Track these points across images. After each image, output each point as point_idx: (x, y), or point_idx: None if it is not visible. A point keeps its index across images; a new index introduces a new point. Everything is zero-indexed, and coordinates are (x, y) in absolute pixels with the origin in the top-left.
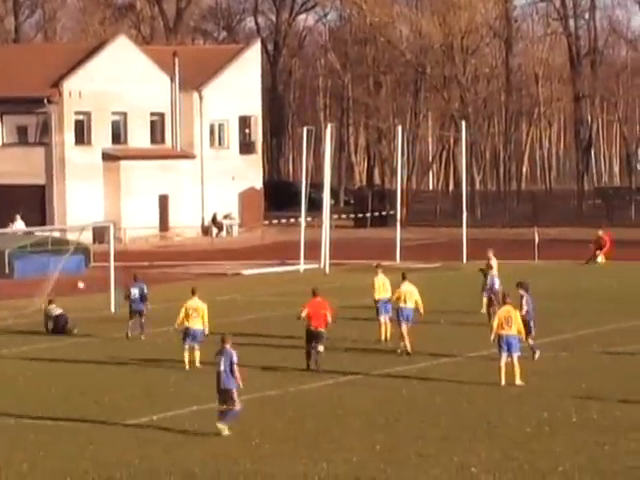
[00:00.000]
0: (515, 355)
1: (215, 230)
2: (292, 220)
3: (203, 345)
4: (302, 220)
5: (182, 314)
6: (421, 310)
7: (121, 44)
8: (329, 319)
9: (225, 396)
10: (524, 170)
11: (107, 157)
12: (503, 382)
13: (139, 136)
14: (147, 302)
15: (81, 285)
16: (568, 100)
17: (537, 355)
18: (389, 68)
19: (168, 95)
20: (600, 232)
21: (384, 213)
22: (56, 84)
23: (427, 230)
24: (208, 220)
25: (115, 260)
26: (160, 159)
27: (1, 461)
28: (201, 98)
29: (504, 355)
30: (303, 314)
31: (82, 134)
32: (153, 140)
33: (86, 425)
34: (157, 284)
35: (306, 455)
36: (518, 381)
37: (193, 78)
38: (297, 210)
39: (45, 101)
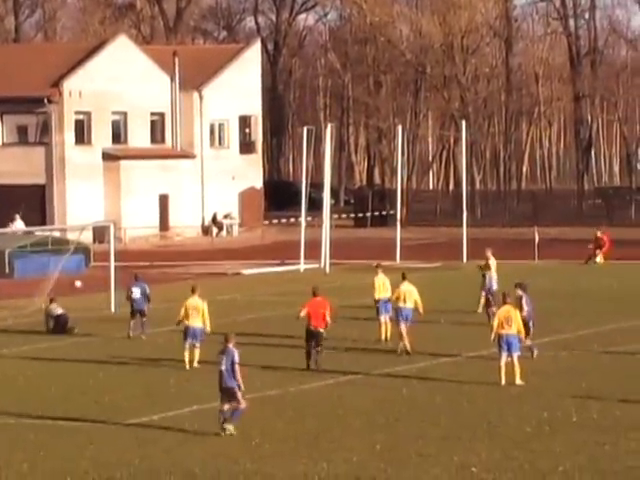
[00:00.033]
0: (515, 355)
1: (215, 230)
2: (292, 220)
3: (206, 344)
4: (302, 220)
5: (182, 312)
6: (420, 310)
7: (121, 44)
8: (328, 319)
9: (227, 395)
10: (524, 170)
11: (107, 157)
12: (503, 382)
13: (139, 136)
14: (149, 302)
15: (78, 284)
16: (568, 100)
17: (535, 353)
18: (389, 68)
19: (168, 95)
20: (599, 233)
21: (384, 213)
22: (56, 84)
23: (427, 230)
24: (208, 220)
25: (115, 260)
26: (160, 159)
27: (1, 461)
28: (201, 98)
29: (504, 355)
30: (302, 313)
31: (82, 134)
32: (153, 140)
33: (86, 425)
34: (157, 284)
35: (306, 455)
36: (518, 381)
37: (193, 78)
38: (297, 210)
39: (45, 101)
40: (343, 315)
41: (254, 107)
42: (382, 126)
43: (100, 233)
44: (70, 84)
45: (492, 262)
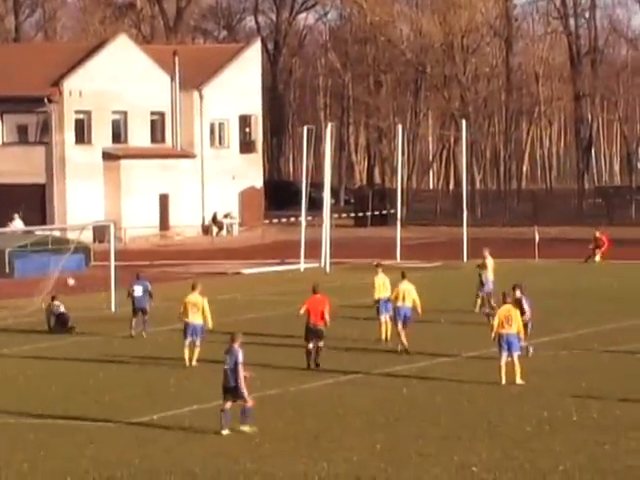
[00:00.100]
0: (515, 354)
1: (215, 229)
2: (292, 219)
3: (206, 343)
4: (302, 219)
5: (182, 308)
6: (419, 309)
7: (121, 43)
8: (327, 317)
9: (232, 394)
10: (524, 169)
11: (107, 156)
12: (503, 381)
13: (139, 135)
14: (152, 300)
15: (71, 282)
16: (568, 99)
17: (531, 352)
18: (389, 67)
19: (168, 94)
20: (597, 233)
21: (384, 212)
22: (56, 83)
23: (427, 229)
24: (208, 219)
25: (115, 259)
26: (160, 158)
27: (1, 461)
28: (201, 97)
29: (504, 354)
30: (302, 311)
31: (82, 133)
32: (153, 139)
33: (87, 424)
34: (157, 283)
35: (306, 454)
36: (518, 380)
37: (193, 77)
38: (297, 209)
39: (45, 100)
40: (343, 315)
41: (254, 107)
42: (382, 126)
43: (100, 233)
44: (70, 83)
45: (489, 262)
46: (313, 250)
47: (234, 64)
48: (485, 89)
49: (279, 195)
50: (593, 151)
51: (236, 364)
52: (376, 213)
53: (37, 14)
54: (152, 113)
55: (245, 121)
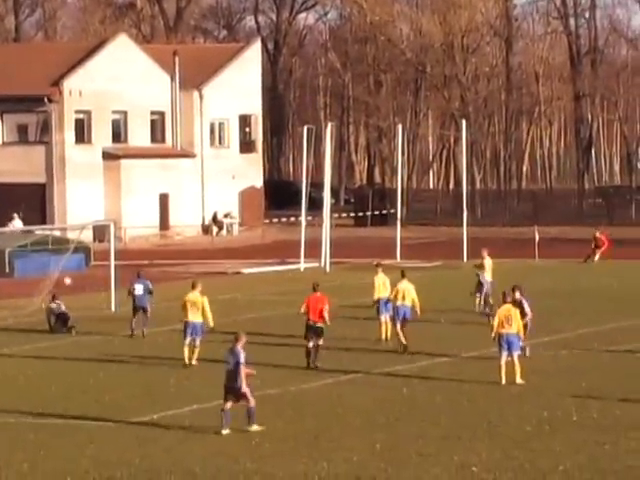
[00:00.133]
0: (515, 354)
1: (215, 229)
2: (292, 219)
3: (209, 343)
4: (302, 219)
5: (181, 307)
6: (417, 309)
7: (121, 43)
8: (325, 315)
9: (233, 395)
10: (524, 169)
11: (107, 156)
12: (503, 381)
13: (139, 135)
14: (152, 299)
15: (68, 281)
16: (568, 99)
17: (528, 352)
18: (389, 67)
19: (168, 94)
20: (597, 233)
21: (384, 212)
22: (56, 83)
23: (427, 229)
24: (208, 219)
25: (115, 259)
26: (160, 158)
27: (1, 461)
28: (201, 97)
29: (504, 354)
30: (302, 309)
31: (82, 133)
32: (153, 139)
33: (87, 424)
34: (157, 283)
35: (306, 454)
36: (518, 380)
37: (193, 77)
38: (297, 209)
39: (45, 100)
40: (343, 314)
41: (254, 106)
42: (382, 125)
43: (100, 232)
44: (70, 83)
45: (487, 262)
46: (313, 250)
47: (234, 64)
48: (485, 89)
49: (279, 195)
50: (593, 151)
51: (237, 364)
52: (376, 213)
53: (37, 14)
54: (152, 113)
55: (245, 121)
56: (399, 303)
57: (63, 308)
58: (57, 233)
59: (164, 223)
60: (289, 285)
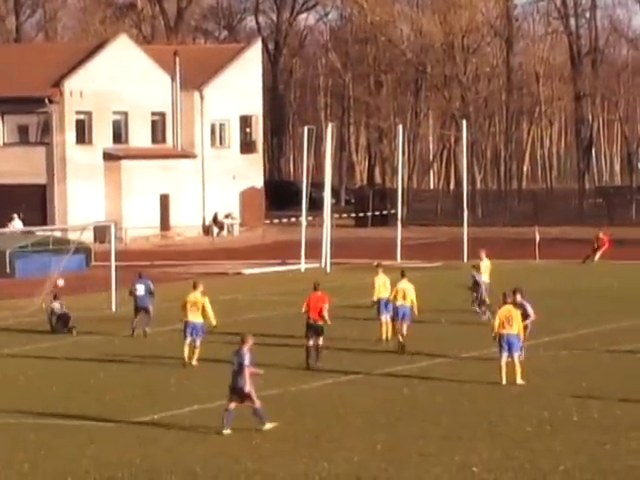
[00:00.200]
0: (516, 354)
1: (216, 229)
2: (293, 219)
3: (209, 343)
4: (303, 219)
5: (181, 307)
6: (415, 310)
7: (122, 43)
8: (325, 314)
9: (237, 395)
10: (525, 169)
11: (108, 157)
12: (504, 381)
13: (140, 136)
14: (154, 299)
15: (60, 282)
16: (569, 99)
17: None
18: (390, 67)
19: (169, 94)
20: (601, 234)
21: (385, 212)
22: (57, 84)
23: (428, 229)
24: (209, 219)
25: (116, 260)
26: (161, 158)
27: (2, 461)
28: (202, 97)
29: (505, 354)
30: (304, 308)
31: (83, 134)
32: (154, 140)
33: (87, 424)
34: (158, 283)
35: (307, 454)
36: (519, 380)
37: (194, 77)
38: (298, 209)
39: (46, 101)
40: (343, 315)
41: (255, 107)
42: (383, 126)
43: (101, 233)
44: (71, 84)
45: (484, 263)
46: (314, 250)
47: (235, 64)
48: (486, 89)
49: (280, 195)
50: (594, 151)
51: (240, 366)
52: (377, 213)
53: (38, 14)
54: (153, 113)
55: (246, 121)
56: (399, 303)
57: (64, 309)
58: (58, 234)
59: (165, 224)
60: (290, 285)
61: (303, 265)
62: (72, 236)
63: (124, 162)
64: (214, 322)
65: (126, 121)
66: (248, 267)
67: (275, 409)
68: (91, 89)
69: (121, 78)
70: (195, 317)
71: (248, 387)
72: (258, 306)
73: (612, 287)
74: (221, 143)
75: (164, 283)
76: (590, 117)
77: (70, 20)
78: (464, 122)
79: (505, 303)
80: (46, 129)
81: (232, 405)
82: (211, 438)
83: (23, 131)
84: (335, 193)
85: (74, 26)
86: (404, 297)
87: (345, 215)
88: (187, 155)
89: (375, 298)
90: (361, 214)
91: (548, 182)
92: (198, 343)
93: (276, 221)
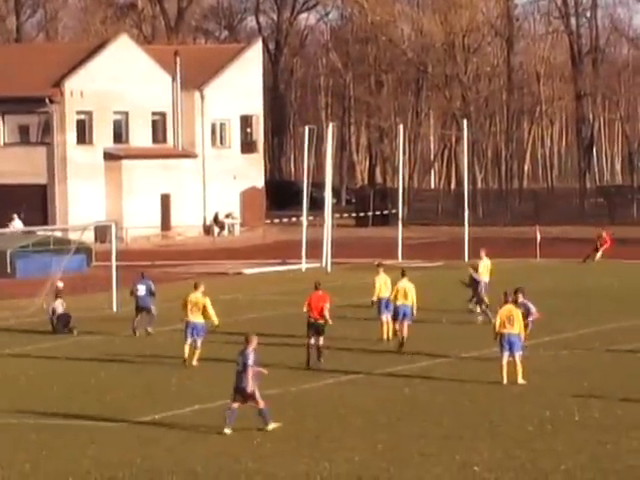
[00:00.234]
0: (517, 354)
1: (217, 229)
2: (294, 219)
3: (210, 343)
4: (304, 219)
5: (182, 306)
6: (414, 310)
7: (123, 43)
8: (326, 313)
9: (241, 395)
10: (526, 168)
11: (109, 156)
12: (505, 381)
13: (141, 135)
14: (154, 300)
15: (60, 285)
16: (570, 98)
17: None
18: (390, 67)
19: (170, 94)
20: (604, 233)
21: (386, 212)
22: (58, 84)
23: (429, 229)
24: (210, 219)
25: (117, 259)
26: (162, 158)
27: (4, 461)
28: (202, 97)
29: (506, 354)
30: (305, 308)
31: (84, 133)
32: (155, 139)
33: (88, 424)
34: (159, 283)
35: (308, 454)
36: (520, 380)
37: (194, 77)
38: (299, 209)
39: (47, 101)
40: (344, 315)
41: (255, 107)
42: (383, 125)
43: (102, 233)
44: (72, 84)
45: (484, 263)
46: (314, 250)
47: (235, 64)
48: (486, 89)
49: (280, 195)
50: (594, 150)
51: (245, 366)
52: (377, 213)
53: (38, 14)
54: (153, 113)
55: (246, 121)
56: (399, 302)
57: (64, 309)
58: (59, 234)
59: (165, 223)
60: (290, 285)
61: (304, 265)
62: (73, 236)
63: (125, 162)
64: (216, 322)
65: (127, 121)
66: (249, 267)
67: (276, 409)
68: (92, 89)
69: (122, 78)
70: (196, 317)
71: (251, 387)
72: (259, 306)
73: (613, 286)
74: (222, 143)
75: (165, 283)
76: (591, 116)
77: (71, 20)
78: (465, 122)
79: (506, 302)
80: (47, 129)
81: (235, 405)
82: (212, 438)
83: (24, 131)
84: (336, 193)
85: (75, 26)
86: (405, 296)
87: (346, 215)
88: (188, 155)
89: (375, 298)
90: (362, 214)
91: (549, 181)
92: (199, 343)
93: (277, 221)
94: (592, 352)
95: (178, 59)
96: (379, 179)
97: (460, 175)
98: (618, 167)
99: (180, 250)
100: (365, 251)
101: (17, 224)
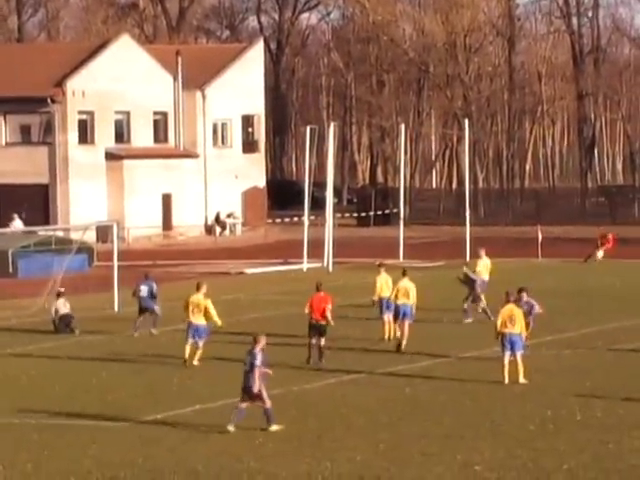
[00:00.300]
0: (518, 353)
1: (218, 229)
2: (295, 219)
3: (212, 343)
4: (305, 219)
5: (183, 307)
6: (413, 310)
7: (124, 43)
8: (328, 315)
9: (248, 395)
10: (527, 168)
11: (110, 156)
12: (506, 380)
13: (142, 135)
14: (156, 300)
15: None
16: (571, 98)
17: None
18: (392, 67)
19: (171, 94)
20: (609, 235)
21: (387, 211)
22: (59, 83)
23: (430, 228)
24: (211, 219)
25: (119, 259)
26: (163, 158)
27: (5, 461)
28: (204, 97)
29: (507, 353)
30: (307, 309)
31: (85, 133)
32: (156, 139)
33: (90, 424)
34: (160, 283)
35: (309, 454)
36: (522, 379)
37: (196, 77)
38: (300, 209)
39: (48, 100)
40: (346, 314)
41: (257, 106)
42: (385, 125)
43: (103, 233)
44: (73, 84)
45: (483, 262)
46: (316, 250)
47: (237, 64)
48: (488, 88)
49: (282, 195)
50: (596, 150)
51: (252, 366)
52: (379, 212)
53: (40, 14)
54: (155, 113)
55: (248, 121)
56: (399, 302)
57: (66, 309)
58: (60, 233)
59: (167, 223)
60: (292, 285)
61: (305, 265)
62: (74, 236)
63: (126, 162)
64: (219, 323)
65: (128, 121)
66: (250, 267)
67: (278, 409)
68: (93, 89)
69: (123, 78)
70: (198, 319)
71: (257, 388)
72: (260, 305)
73: (615, 286)
74: (223, 143)
75: (166, 283)
76: (592, 116)
77: (72, 20)
78: (466, 121)
79: (507, 302)
80: (48, 129)
81: (244, 405)
82: (214, 437)
83: (25, 131)
84: (337, 192)
85: (76, 26)
86: (405, 296)
87: (347, 214)
88: (189, 155)
89: (376, 297)
90: (363, 213)
91: (550, 181)
92: (201, 344)
93: (278, 221)
94: (594, 351)
95: (179, 59)
96: (380, 179)
97: (461, 175)
98: (619, 167)
99: (182, 250)
100: (366, 251)
101: (17, 224)
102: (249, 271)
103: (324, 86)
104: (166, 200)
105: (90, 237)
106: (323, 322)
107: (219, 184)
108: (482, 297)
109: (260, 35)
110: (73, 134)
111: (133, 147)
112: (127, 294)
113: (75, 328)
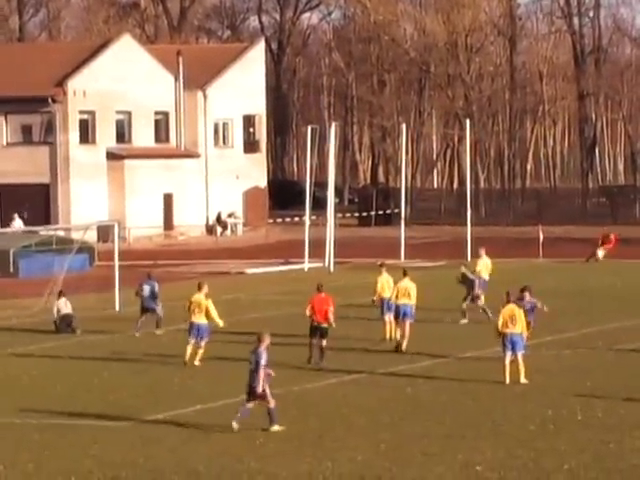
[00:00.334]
0: (519, 353)
1: (219, 229)
2: (296, 219)
3: (213, 343)
4: (306, 219)
5: (186, 307)
6: (413, 310)
7: (125, 43)
8: (330, 316)
9: (253, 394)
10: (528, 168)
11: (111, 156)
12: (507, 380)
13: (143, 135)
14: (158, 300)
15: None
16: (572, 98)
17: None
18: (393, 66)
19: (172, 94)
20: (612, 235)
21: (388, 211)
22: (60, 83)
23: (431, 228)
24: (212, 219)
25: (120, 259)
26: (164, 158)
27: (7, 461)
28: (205, 97)
29: (508, 353)
30: (308, 311)
31: (86, 133)
32: (157, 139)
33: (91, 424)
34: (161, 283)
35: (310, 454)
36: (523, 379)
37: (197, 77)
38: (301, 209)
39: (49, 100)
40: (347, 314)
41: (258, 106)
42: (386, 125)
43: (104, 232)
44: (74, 83)
45: (483, 261)
46: (317, 250)
47: (238, 64)
48: (489, 88)
49: (283, 195)
50: (597, 150)
51: (257, 365)
52: (380, 212)
53: (41, 14)
54: (156, 113)
55: (249, 121)
56: (400, 302)
57: (67, 309)
58: (61, 233)
59: (168, 223)
60: (293, 285)
61: (306, 264)
62: (75, 236)
63: (127, 162)
64: (221, 324)
65: (129, 121)
66: (251, 267)
67: (279, 408)
68: (94, 89)
69: (124, 78)
70: (199, 319)
71: (261, 387)
72: (261, 305)
73: (616, 286)
74: (224, 143)
75: (167, 282)
76: (594, 116)
77: (73, 19)
78: (467, 121)
79: (508, 302)
80: (49, 129)
81: (249, 405)
82: (215, 437)
83: (26, 131)
84: (338, 192)
85: (77, 25)
86: (406, 296)
87: (348, 214)
88: (190, 155)
89: (377, 297)
90: (364, 213)
91: (552, 181)
92: (203, 344)
93: (279, 220)
94: (595, 351)
95: (181, 59)
96: (382, 179)
97: (462, 175)
98: (621, 167)
99: (183, 250)
100: (368, 251)
101: (17, 223)
102: (250, 271)
103: (325, 86)
104: (167, 200)
105: (91, 237)
106: (325, 324)
107: (220, 184)
108: (482, 297)
109: (261, 35)
110: (74, 134)
111: (134, 147)
112: (128, 294)
113: (76, 328)
